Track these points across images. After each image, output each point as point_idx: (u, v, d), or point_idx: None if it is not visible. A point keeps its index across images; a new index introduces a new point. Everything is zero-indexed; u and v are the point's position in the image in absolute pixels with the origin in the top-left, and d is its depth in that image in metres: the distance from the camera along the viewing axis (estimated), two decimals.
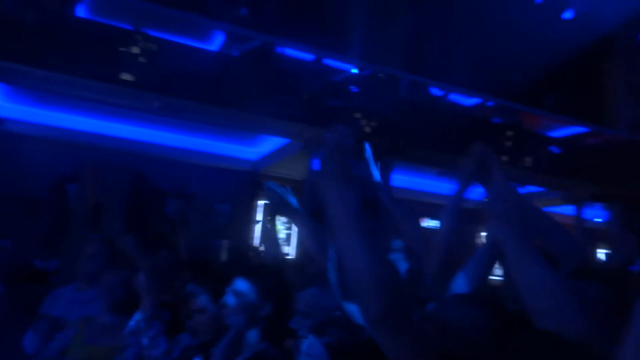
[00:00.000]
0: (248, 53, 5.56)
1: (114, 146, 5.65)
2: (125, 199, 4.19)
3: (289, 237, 3.40)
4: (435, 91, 7.21)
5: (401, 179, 5.88)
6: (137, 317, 2.23)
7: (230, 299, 1.81)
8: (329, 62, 6.28)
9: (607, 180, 6.45)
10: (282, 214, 2.53)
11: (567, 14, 6.63)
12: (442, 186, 6.66)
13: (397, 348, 1.15)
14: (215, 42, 6.13)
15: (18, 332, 2.34)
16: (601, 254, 7.44)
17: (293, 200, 2.47)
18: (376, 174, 1.78)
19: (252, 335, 1.75)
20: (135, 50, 4.65)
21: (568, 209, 7.19)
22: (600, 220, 7.36)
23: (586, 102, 6.55)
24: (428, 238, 2.13)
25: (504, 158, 6.30)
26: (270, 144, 6.35)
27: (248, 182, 6.63)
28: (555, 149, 6.62)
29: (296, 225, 2.54)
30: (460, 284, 1.66)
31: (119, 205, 4.10)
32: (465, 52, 5.59)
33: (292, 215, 2.50)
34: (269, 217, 2.57)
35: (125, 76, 4.60)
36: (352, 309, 1.81)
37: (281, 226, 7.35)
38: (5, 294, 2.74)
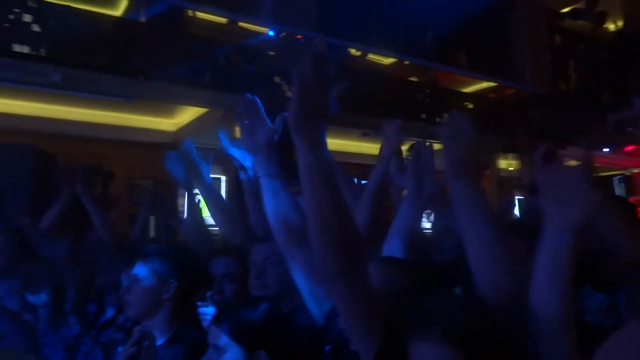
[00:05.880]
0: (155, 18, 5.24)
1: (14, 125, 5.24)
2: (29, 183, 3.88)
3: None
4: (354, 51, 7.21)
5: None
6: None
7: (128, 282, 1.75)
8: (243, 25, 6.07)
9: (514, 132, 6.88)
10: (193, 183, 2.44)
11: None
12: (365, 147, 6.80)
13: (350, 306, 1.16)
14: (120, 7, 5.72)
15: None
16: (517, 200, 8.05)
17: (206, 170, 2.39)
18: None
19: (162, 317, 1.71)
20: (27, 18, 4.22)
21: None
22: (512, 169, 7.86)
23: (493, 58, 6.83)
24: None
25: (423, 116, 6.48)
26: (188, 113, 6.14)
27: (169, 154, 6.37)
28: (468, 104, 6.91)
29: (203, 197, 2.46)
30: (395, 246, 1.72)
31: (22, 190, 3.80)
32: (377, 13, 5.60)
33: (200, 186, 2.42)
34: (185, 183, 2.47)
35: (19, 48, 4.19)
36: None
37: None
38: None
